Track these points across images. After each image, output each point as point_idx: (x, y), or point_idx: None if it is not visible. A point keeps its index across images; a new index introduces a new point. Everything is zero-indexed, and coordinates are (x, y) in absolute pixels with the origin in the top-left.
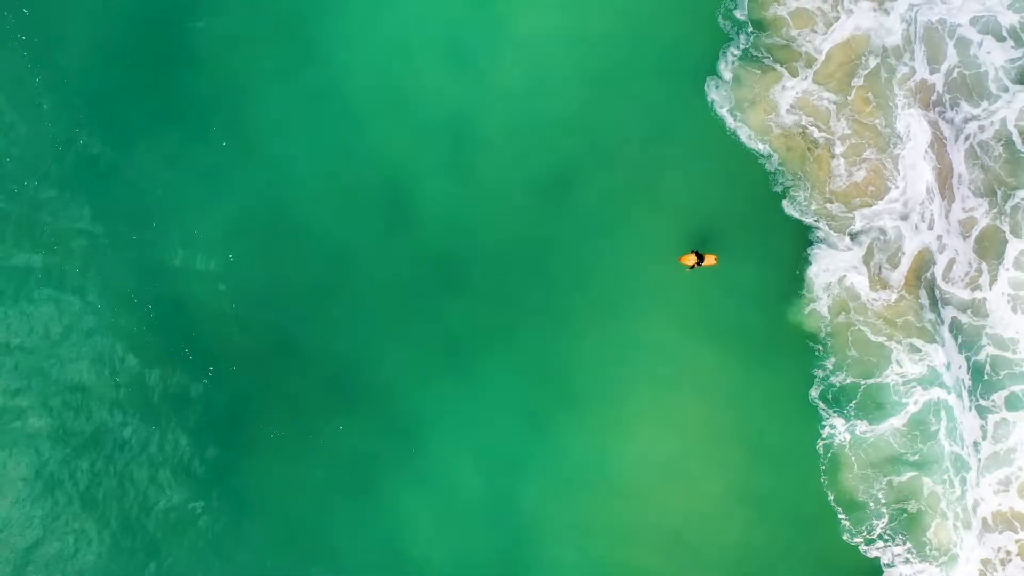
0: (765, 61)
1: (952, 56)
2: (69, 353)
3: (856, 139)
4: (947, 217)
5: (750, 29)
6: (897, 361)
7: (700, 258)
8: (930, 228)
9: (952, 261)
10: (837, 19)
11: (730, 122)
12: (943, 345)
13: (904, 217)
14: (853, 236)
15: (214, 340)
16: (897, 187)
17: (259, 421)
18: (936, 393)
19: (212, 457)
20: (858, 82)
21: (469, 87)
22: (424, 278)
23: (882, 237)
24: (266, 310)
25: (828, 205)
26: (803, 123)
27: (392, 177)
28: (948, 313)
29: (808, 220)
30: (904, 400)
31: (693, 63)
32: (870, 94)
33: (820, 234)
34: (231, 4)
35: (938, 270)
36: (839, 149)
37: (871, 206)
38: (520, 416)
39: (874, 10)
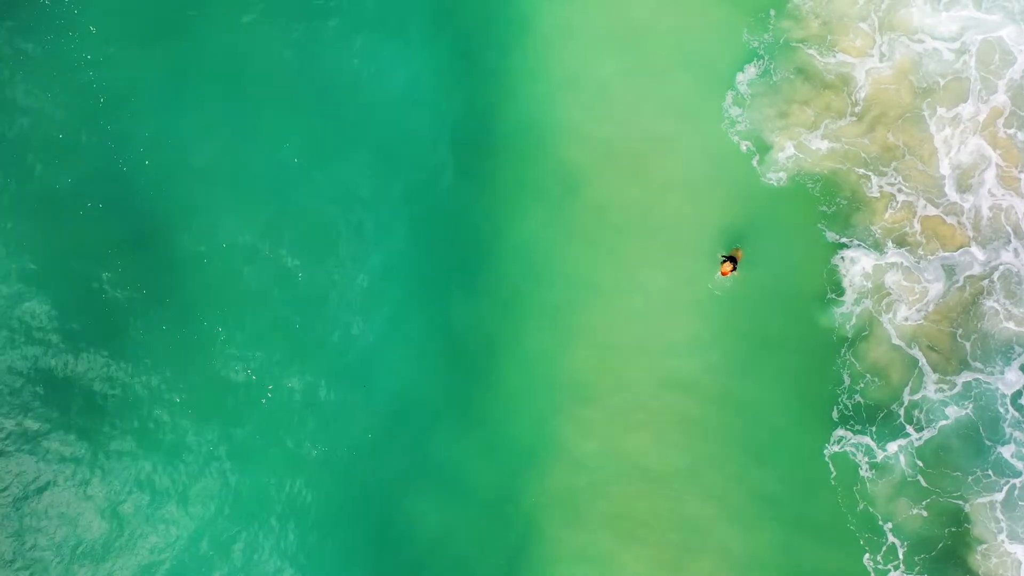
0: (785, 94)
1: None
2: None
3: (905, 193)
4: None
5: (777, 53)
6: (933, 379)
7: (733, 261)
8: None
9: None
10: (878, 56)
11: (744, 147)
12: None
13: (985, 264)
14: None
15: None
16: (970, 240)
17: None
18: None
19: None
20: (900, 127)
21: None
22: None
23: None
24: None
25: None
26: (834, 167)
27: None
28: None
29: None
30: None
31: (716, 77)
32: (914, 140)
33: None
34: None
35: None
36: (888, 203)
37: (934, 255)
38: (528, 415)
39: (920, 43)
